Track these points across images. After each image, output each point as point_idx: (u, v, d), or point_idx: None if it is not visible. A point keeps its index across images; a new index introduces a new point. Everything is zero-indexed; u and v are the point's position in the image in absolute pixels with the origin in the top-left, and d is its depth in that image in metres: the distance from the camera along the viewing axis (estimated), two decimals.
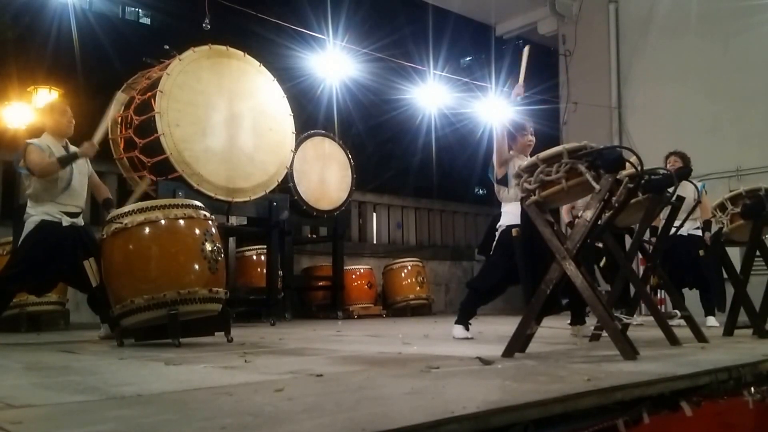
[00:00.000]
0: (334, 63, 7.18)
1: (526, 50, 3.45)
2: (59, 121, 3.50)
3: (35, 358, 2.63)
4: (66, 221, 3.41)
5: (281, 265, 5.83)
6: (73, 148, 3.54)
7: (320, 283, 7.06)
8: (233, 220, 5.76)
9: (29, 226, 3.38)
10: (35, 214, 3.39)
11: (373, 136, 13.12)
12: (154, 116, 4.74)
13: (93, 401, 1.49)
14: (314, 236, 7.65)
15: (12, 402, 1.46)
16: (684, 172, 3.54)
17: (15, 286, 3.43)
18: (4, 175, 6.13)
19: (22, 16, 9.79)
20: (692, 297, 4.54)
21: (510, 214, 3.18)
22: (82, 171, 3.52)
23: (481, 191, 15.15)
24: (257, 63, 5.50)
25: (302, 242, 7.44)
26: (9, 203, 6.06)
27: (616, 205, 2.28)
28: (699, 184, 4.20)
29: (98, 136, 3.64)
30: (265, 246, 5.86)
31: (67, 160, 3.37)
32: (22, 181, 3.69)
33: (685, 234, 4.40)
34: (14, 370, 2.22)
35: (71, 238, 3.41)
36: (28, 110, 7.49)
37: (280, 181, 5.52)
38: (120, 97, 3.97)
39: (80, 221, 3.53)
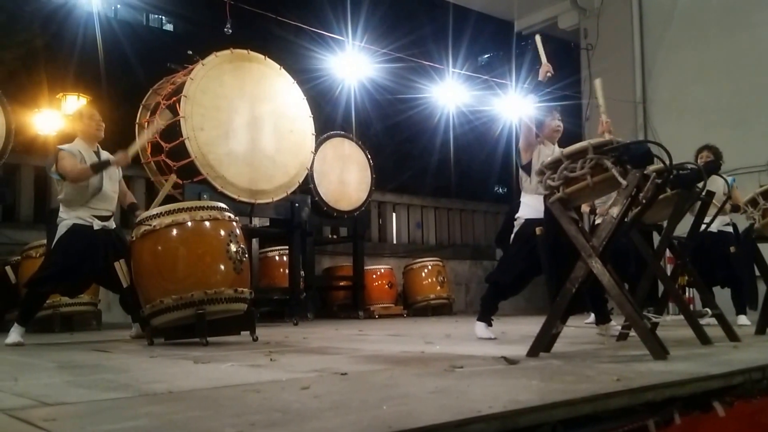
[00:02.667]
0: (353, 63, 7.21)
1: (537, 38, 3.48)
2: (89, 125, 3.59)
3: (68, 357, 2.71)
4: (97, 225, 3.50)
5: (303, 265, 5.88)
6: (104, 154, 3.62)
7: (341, 283, 7.10)
8: (256, 222, 5.84)
9: (62, 229, 3.48)
10: (67, 218, 3.49)
11: (391, 136, 13.11)
12: (179, 120, 4.84)
13: (125, 398, 1.53)
14: (335, 237, 7.69)
15: (46, 400, 1.50)
16: (713, 166, 3.44)
17: (48, 288, 3.53)
18: (36, 181, 6.33)
19: (50, 25, 10.08)
20: (723, 295, 4.41)
21: (529, 206, 3.11)
22: (112, 177, 3.61)
23: (500, 190, 14.98)
24: (278, 66, 5.55)
25: (323, 243, 7.49)
26: (41, 207, 6.26)
27: (644, 201, 2.23)
28: (729, 179, 4.07)
29: (133, 149, 3.74)
30: (287, 247, 5.93)
31: (100, 166, 3.46)
32: (55, 186, 3.79)
33: (715, 231, 4.28)
34: (48, 369, 2.28)
35: (102, 241, 3.50)
36: (58, 117, 7.70)
37: (300, 182, 5.57)
38: (165, 114, 4.14)
39: (111, 224, 3.61)
